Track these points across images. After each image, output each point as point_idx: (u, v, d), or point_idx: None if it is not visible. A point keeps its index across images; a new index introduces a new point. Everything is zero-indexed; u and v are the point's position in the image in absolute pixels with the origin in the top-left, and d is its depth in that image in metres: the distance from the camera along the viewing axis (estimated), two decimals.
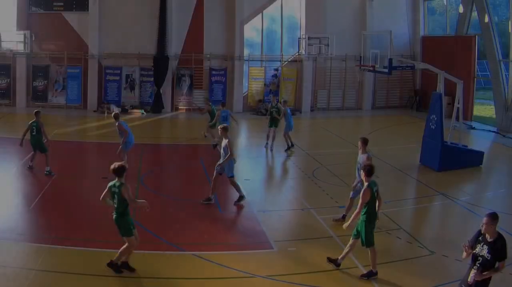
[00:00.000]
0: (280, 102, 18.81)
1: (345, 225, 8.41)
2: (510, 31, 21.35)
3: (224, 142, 11.56)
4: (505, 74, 21.93)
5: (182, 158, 16.57)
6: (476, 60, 24.19)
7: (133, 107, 25.05)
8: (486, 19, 21.83)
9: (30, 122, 13.50)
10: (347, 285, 8.18)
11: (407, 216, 11.71)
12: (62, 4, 24.95)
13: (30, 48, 24.35)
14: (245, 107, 26.23)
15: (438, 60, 22.07)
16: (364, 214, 8.13)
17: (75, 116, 23.42)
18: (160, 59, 24.78)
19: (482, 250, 6.26)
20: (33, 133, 13.42)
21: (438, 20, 28.34)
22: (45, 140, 13.63)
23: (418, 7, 27.44)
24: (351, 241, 8.36)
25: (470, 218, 11.48)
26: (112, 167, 8.06)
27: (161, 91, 25.00)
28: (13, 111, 23.68)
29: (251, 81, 26.49)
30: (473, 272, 6.31)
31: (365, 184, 8.18)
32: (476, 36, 23.72)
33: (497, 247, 6.16)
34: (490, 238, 6.26)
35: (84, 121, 22.79)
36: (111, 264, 8.15)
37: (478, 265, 6.26)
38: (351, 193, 10.62)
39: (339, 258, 8.46)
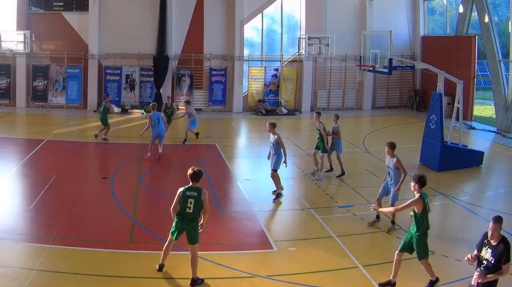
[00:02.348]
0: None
1: (380, 209, 8.23)
2: (510, 31, 21.35)
3: (273, 138, 12.06)
4: (505, 74, 21.93)
5: (182, 158, 16.56)
6: (476, 60, 24.19)
7: (133, 107, 25.05)
8: (486, 19, 21.83)
9: (102, 103, 18.27)
10: (347, 285, 8.18)
11: (407, 216, 11.65)
12: (62, 4, 24.94)
13: (30, 48, 24.34)
14: (245, 108, 26.23)
15: (438, 60, 22.07)
16: (417, 226, 7.75)
17: (75, 116, 23.41)
18: (160, 59, 24.78)
19: (486, 253, 6.32)
20: (101, 110, 18.06)
21: (438, 20, 28.33)
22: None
23: (418, 7, 27.45)
24: (397, 257, 8.01)
25: (470, 218, 11.48)
26: (190, 171, 7.87)
27: (161, 91, 25.00)
28: (13, 111, 23.68)
29: (251, 81, 26.49)
30: (476, 274, 6.32)
31: (417, 195, 7.75)
32: (476, 36, 23.72)
33: (500, 251, 6.19)
34: (494, 241, 6.29)
35: (84, 121, 22.79)
36: (194, 282, 7.85)
37: (483, 268, 6.29)
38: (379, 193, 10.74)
39: (391, 277, 8.06)
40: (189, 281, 7.92)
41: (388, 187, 10.58)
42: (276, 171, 12.22)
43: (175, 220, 7.96)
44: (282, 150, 12.05)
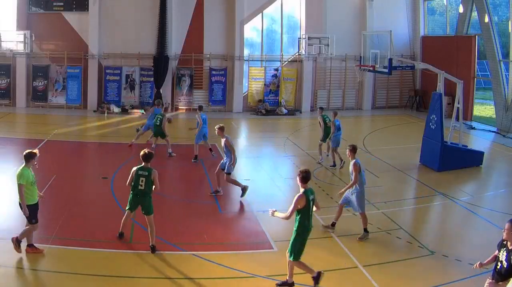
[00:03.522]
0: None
1: (273, 213, 7.83)
2: (510, 31, 21.35)
3: (222, 141, 12.02)
4: (505, 74, 21.93)
5: (182, 158, 16.56)
6: (476, 60, 24.20)
7: (133, 107, 25.05)
8: (486, 19, 21.83)
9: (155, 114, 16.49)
10: (347, 285, 8.18)
11: (407, 216, 11.71)
12: (62, 4, 24.96)
13: (30, 48, 24.35)
14: (245, 108, 26.23)
15: (438, 60, 22.07)
16: (296, 223, 7.67)
17: (75, 116, 23.42)
18: (160, 59, 24.78)
19: (502, 255, 6.30)
20: (157, 124, 16.04)
21: (438, 20, 28.34)
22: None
23: (418, 7, 27.46)
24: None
25: (470, 218, 11.49)
26: (142, 153, 9.01)
27: (161, 91, 25.01)
28: (13, 111, 23.68)
29: (251, 81, 26.50)
30: (487, 282, 6.33)
31: (301, 190, 7.67)
32: (476, 36, 23.72)
33: None
34: (510, 245, 6.24)
35: (84, 121, 22.80)
36: (152, 249, 8.93)
37: (498, 269, 6.28)
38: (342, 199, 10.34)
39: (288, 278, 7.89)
40: (190, 281, 7.95)
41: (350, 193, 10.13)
42: (229, 174, 12.15)
43: (130, 196, 9.10)
44: (231, 152, 11.95)
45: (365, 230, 10.02)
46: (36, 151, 8.83)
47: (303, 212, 7.60)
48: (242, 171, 15.46)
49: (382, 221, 10.91)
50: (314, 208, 7.95)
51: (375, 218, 11.10)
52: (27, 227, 8.63)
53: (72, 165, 15.21)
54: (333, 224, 10.31)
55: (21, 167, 8.56)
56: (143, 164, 8.97)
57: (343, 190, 10.13)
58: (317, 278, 7.74)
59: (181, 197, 12.60)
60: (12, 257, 8.48)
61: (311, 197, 7.66)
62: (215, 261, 8.61)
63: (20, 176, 8.42)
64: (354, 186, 9.95)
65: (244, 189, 12.20)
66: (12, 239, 8.55)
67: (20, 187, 8.40)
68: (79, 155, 17.04)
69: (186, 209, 11.58)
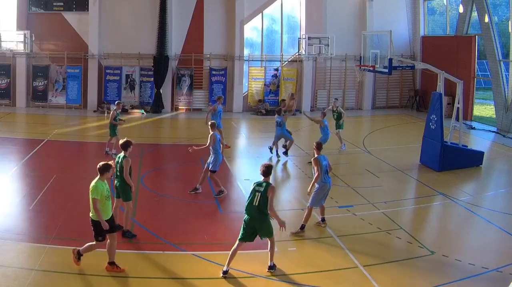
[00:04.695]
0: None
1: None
2: (510, 31, 21.35)
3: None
4: (505, 74, 21.93)
5: (182, 158, 16.57)
6: (476, 60, 24.19)
7: (133, 107, 25.05)
8: (486, 19, 21.83)
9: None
10: (347, 285, 8.18)
11: (407, 216, 11.71)
12: (62, 4, 24.97)
13: (30, 48, 24.35)
14: (245, 108, 26.23)
15: (438, 60, 22.07)
16: None
17: (75, 116, 23.42)
18: (160, 59, 24.79)
19: None
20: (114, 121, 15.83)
21: (438, 20, 28.35)
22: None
23: (418, 7, 27.46)
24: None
25: (470, 218, 11.47)
26: (120, 141, 9.79)
27: (161, 91, 25.02)
28: (13, 111, 23.69)
29: (251, 81, 26.50)
30: None
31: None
32: (476, 36, 23.72)
33: None
34: None
35: (84, 121, 22.80)
36: (123, 234, 9.41)
37: None
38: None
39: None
40: (190, 281, 7.96)
41: None
42: (214, 172, 12.20)
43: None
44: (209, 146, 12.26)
45: (303, 227, 10.12)
46: (111, 162, 8.40)
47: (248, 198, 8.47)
48: (242, 171, 15.47)
49: (382, 221, 10.91)
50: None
51: (375, 218, 11.11)
52: (92, 243, 8.19)
53: (72, 165, 15.20)
54: (322, 221, 10.40)
55: (95, 180, 8.17)
56: (122, 152, 9.64)
57: (309, 189, 10.14)
58: (224, 273, 8.18)
59: (181, 197, 12.59)
60: (12, 257, 8.49)
61: (256, 188, 8.33)
62: (215, 261, 8.60)
63: (94, 190, 8.05)
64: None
65: (220, 192, 12.23)
66: (73, 251, 8.19)
67: (94, 201, 8.01)
68: (79, 155, 17.03)
69: (186, 209, 11.58)
